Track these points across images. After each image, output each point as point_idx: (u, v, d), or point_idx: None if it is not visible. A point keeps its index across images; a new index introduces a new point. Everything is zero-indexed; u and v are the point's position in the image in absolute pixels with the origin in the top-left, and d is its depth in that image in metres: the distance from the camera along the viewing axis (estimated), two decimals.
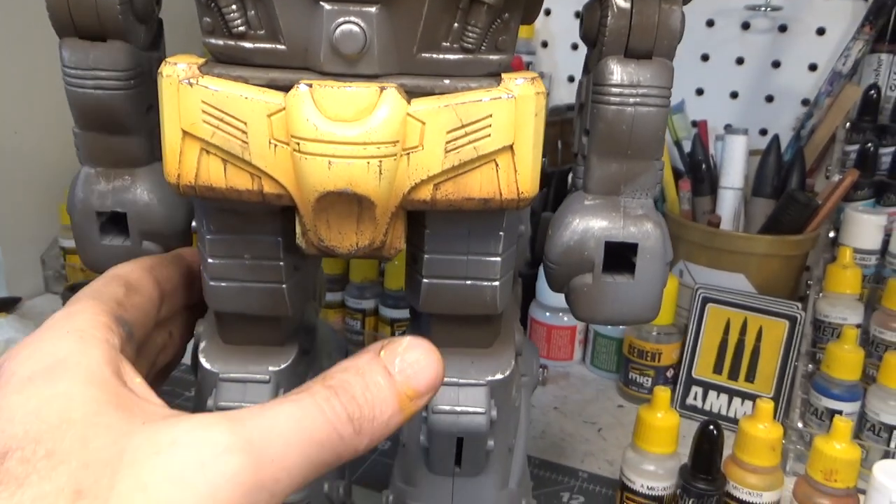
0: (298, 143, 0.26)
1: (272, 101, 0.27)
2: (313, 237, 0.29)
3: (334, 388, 0.25)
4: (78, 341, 0.25)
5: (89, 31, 0.33)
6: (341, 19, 0.26)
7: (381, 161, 0.26)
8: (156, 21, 0.36)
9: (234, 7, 0.27)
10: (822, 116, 0.80)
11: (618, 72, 0.32)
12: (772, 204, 0.77)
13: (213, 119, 0.27)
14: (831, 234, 0.72)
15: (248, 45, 0.28)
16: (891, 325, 0.63)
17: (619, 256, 0.35)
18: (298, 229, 0.29)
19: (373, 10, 0.26)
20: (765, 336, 0.70)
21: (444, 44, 0.28)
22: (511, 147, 0.28)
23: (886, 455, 0.56)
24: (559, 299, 0.68)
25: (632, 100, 0.32)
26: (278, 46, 0.28)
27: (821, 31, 0.86)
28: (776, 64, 0.93)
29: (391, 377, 0.26)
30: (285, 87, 0.27)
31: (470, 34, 0.28)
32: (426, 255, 0.32)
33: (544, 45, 0.98)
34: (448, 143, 0.27)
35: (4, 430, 0.22)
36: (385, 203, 0.28)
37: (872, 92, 0.76)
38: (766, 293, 0.73)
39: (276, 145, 0.27)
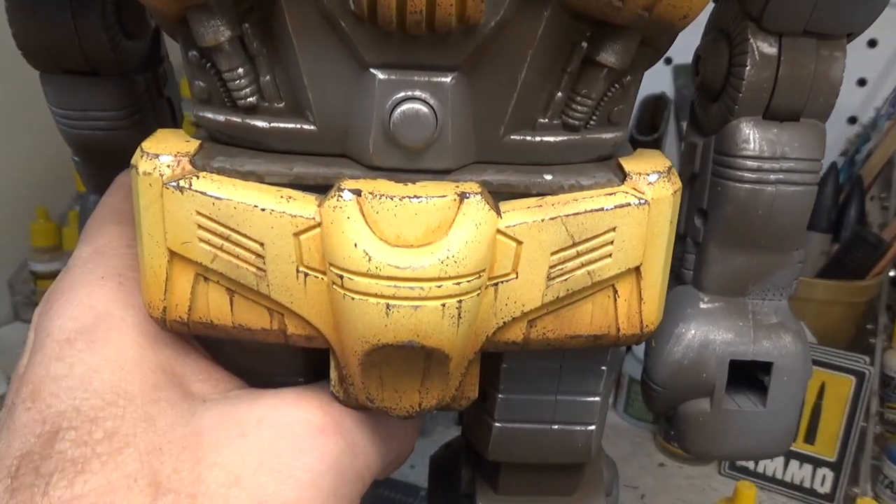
0: (342, 278, 0.19)
1: (300, 213, 0.19)
2: (359, 392, 0.21)
3: None
4: (117, 289, 0.22)
5: (75, 68, 0.27)
6: (402, 94, 0.18)
7: (460, 301, 0.19)
8: (151, 27, 0.29)
9: (240, 71, 0.19)
10: (879, 140, 0.73)
11: (755, 139, 0.25)
12: (827, 238, 0.70)
13: (215, 237, 0.19)
14: (892, 273, 0.69)
15: (261, 123, 0.20)
16: None
17: (743, 372, 0.27)
18: (334, 375, 0.22)
19: (447, 79, 0.18)
20: (827, 393, 0.64)
21: (541, 120, 0.20)
22: (637, 269, 0.20)
23: None
24: None
25: (773, 176, 0.25)
26: (305, 126, 0.20)
27: (872, 43, 0.77)
28: None
29: None
30: (317, 188, 0.19)
31: (578, 107, 0.20)
32: (500, 396, 0.25)
33: None
34: (553, 267, 0.20)
35: (50, 406, 0.19)
36: (462, 354, 0.20)
37: None
38: (825, 343, 0.66)
39: (306, 275, 0.19)
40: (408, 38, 0.18)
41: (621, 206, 0.19)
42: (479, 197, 0.19)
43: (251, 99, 0.20)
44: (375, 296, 0.18)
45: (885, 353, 0.64)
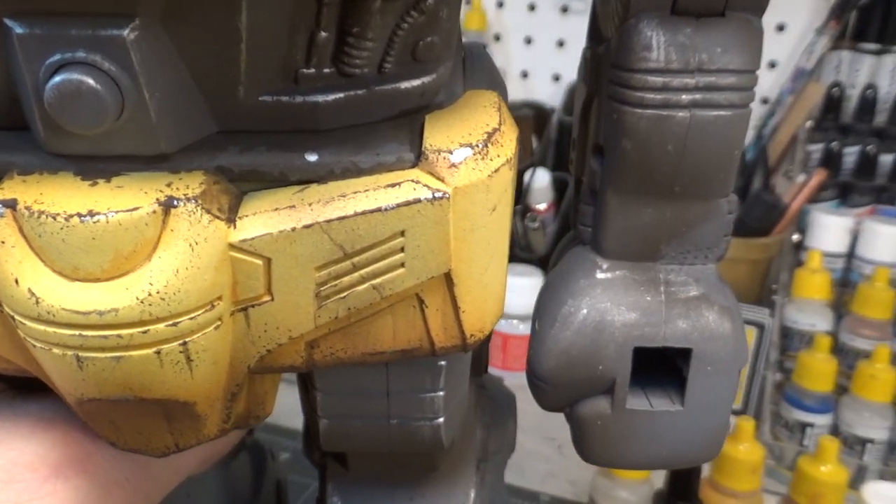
0: (14, 319, 0.15)
1: None
2: (97, 432, 0.18)
3: None
4: None
5: None
6: (57, 57, 0.14)
7: (185, 343, 0.15)
8: None
9: None
10: (784, 115, 0.84)
11: (659, 45, 0.20)
12: (734, 199, 0.72)
13: None
14: (795, 237, 0.77)
15: None
16: (862, 332, 0.67)
17: (658, 358, 0.24)
18: None
19: (123, 32, 0.14)
20: None
21: (305, 70, 0.16)
22: (448, 275, 0.17)
23: (860, 470, 0.59)
24: (517, 306, 0.59)
25: (685, 97, 0.20)
26: None
27: (781, 28, 0.87)
28: None
29: None
30: None
31: (353, 50, 0.16)
32: (319, 393, 0.22)
33: (497, 38, 0.99)
34: (322, 285, 0.16)
35: None
36: (211, 395, 0.17)
37: (836, 90, 0.81)
38: None
39: None
40: None
41: (408, 203, 0.15)
42: (192, 204, 0.15)
43: None
44: (58, 345, 0.15)
45: (785, 306, 0.70)
